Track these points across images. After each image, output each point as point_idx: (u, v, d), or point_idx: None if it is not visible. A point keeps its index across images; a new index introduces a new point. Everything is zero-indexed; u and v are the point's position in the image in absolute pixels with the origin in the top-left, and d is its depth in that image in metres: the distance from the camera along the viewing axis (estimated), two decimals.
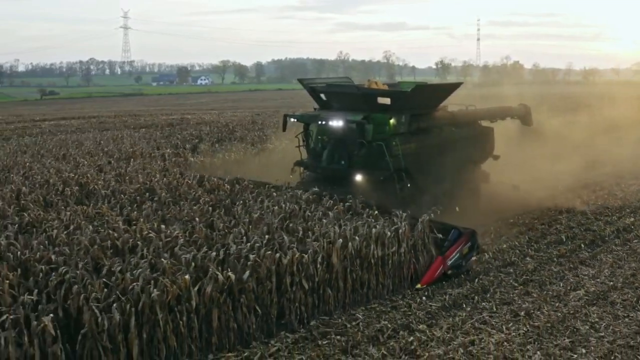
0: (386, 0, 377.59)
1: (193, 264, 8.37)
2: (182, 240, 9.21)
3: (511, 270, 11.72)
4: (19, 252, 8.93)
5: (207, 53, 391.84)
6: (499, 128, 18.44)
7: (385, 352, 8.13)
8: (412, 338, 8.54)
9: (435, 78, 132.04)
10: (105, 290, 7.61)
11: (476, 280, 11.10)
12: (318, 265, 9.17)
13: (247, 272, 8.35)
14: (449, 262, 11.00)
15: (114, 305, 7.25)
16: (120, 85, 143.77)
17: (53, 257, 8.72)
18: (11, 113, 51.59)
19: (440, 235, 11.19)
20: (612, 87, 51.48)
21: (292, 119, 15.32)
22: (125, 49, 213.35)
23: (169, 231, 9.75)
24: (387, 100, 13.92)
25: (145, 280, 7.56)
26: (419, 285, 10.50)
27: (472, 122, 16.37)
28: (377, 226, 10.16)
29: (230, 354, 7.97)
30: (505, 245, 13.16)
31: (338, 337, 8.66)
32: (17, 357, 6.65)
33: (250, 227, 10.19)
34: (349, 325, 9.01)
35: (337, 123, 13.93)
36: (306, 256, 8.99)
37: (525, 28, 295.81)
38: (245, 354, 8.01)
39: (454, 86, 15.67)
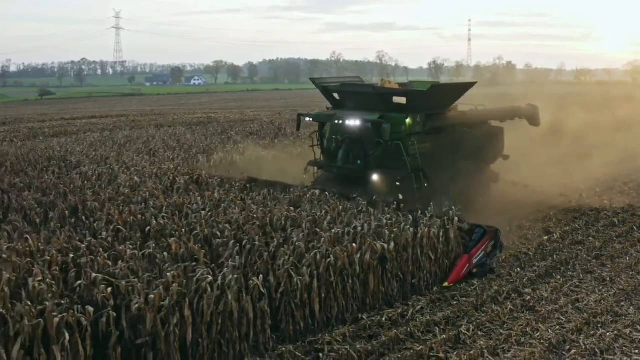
0: (374, 0, 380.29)
1: (346, 237, 9.91)
2: (329, 217, 10.72)
3: (580, 247, 13.39)
4: (183, 230, 10.38)
5: (196, 53, 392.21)
6: (524, 129, 19.84)
7: (512, 308, 9.76)
8: (528, 297, 10.20)
9: (428, 78, 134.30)
10: (286, 257, 9.06)
11: (554, 255, 12.78)
12: (440, 239, 10.76)
13: (392, 243, 9.92)
14: (474, 261, 11.19)
15: (304, 268, 8.75)
16: (113, 86, 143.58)
17: (218, 232, 10.19)
18: (28, 112, 52.19)
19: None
20: (610, 87, 53.86)
21: (307, 118, 15.42)
22: (117, 49, 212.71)
23: (305, 212, 11.26)
24: (402, 100, 14.04)
25: (324, 248, 9.08)
26: (445, 284, 10.72)
27: (482, 122, 16.53)
28: None
29: (388, 310, 9.55)
30: (567, 228, 14.85)
31: (463, 298, 10.28)
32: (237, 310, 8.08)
33: (371, 208, 11.72)
34: (469, 289, 10.64)
35: (354, 122, 13.91)
36: (433, 230, 10.58)
37: (515, 28, 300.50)
38: (399, 310, 9.58)
39: (468, 86, 15.60)
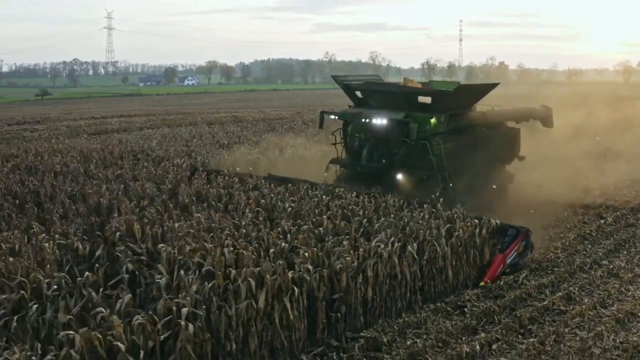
0: (363, 0, 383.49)
1: (461, 215, 11.78)
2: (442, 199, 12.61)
3: (634, 229, 15.40)
4: (316, 211, 12.13)
5: (188, 53, 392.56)
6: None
7: (601, 274, 11.71)
8: (611, 266, 12.17)
9: (422, 78, 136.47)
10: (422, 230, 10.87)
11: (614, 235, 14.79)
12: None
13: (498, 221, 11.82)
14: (508, 261, 11.66)
15: (442, 239, 10.60)
16: (108, 86, 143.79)
17: (348, 213, 11.95)
18: (36, 112, 52.79)
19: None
20: (607, 88, 56.33)
21: (331, 116, 15.45)
22: (109, 50, 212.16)
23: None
24: (427, 100, 14.38)
25: (457, 224, 10.99)
26: (482, 283, 11.10)
27: (500, 122, 16.81)
28: None
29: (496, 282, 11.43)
30: (618, 213, 16.87)
31: (555, 268, 12.22)
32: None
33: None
34: (557, 261, 12.59)
35: (380, 121, 14.05)
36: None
37: (506, 29, 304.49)
38: (511, 277, 11.47)
39: (491, 86, 15.75)
